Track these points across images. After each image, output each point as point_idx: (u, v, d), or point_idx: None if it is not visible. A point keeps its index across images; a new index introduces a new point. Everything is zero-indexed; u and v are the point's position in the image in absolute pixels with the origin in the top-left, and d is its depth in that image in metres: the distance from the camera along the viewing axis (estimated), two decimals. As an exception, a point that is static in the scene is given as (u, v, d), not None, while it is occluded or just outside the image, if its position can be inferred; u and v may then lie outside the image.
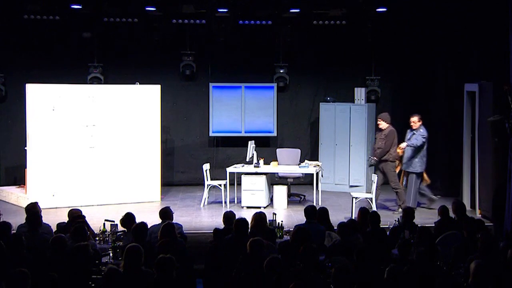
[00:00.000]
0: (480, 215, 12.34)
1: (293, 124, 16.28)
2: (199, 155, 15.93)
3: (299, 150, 14.63)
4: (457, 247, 8.08)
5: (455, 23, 14.01)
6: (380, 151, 12.83)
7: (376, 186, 12.66)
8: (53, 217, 10.77)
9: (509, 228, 10.89)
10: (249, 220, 8.82)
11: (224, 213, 9.52)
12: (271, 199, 13.69)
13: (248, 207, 13.23)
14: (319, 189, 13.70)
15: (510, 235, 10.48)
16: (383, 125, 13.06)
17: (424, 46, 15.37)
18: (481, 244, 7.71)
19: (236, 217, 9.05)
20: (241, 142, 14.89)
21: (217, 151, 16.11)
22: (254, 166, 13.69)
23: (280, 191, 13.49)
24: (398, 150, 12.91)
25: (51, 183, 13.38)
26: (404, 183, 13.17)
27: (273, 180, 14.20)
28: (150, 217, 10.35)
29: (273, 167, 13.77)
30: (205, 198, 13.82)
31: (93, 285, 7.21)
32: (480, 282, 6.45)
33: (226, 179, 13.70)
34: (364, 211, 9.65)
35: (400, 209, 12.27)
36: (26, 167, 13.46)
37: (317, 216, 9.47)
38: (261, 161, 13.81)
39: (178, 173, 16.07)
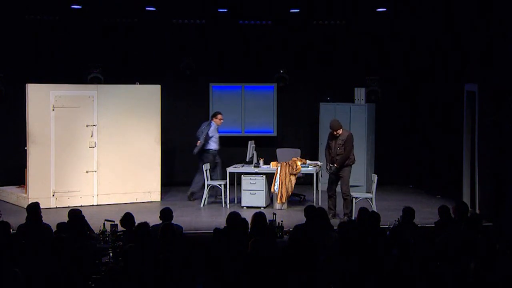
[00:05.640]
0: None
1: (293, 124, 16.27)
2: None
3: (299, 150, 14.63)
4: (457, 247, 8.08)
5: (455, 23, 14.01)
6: (341, 157, 12.29)
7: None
8: (53, 217, 10.77)
9: (509, 228, 10.90)
10: (249, 220, 8.83)
11: (230, 212, 9.50)
12: (271, 199, 13.70)
13: (248, 207, 13.24)
14: (319, 189, 13.69)
15: (510, 235, 10.50)
16: (339, 131, 12.35)
17: (423, 46, 15.36)
18: (480, 245, 7.71)
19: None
20: (241, 142, 14.88)
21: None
22: (254, 166, 13.69)
23: (280, 191, 13.48)
24: None
25: (51, 183, 13.38)
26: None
27: (273, 180, 14.20)
28: (150, 217, 10.33)
29: (273, 167, 13.77)
30: (205, 198, 13.82)
31: (93, 285, 7.21)
32: (480, 282, 6.46)
33: (226, 179, 13.71)
34: (364, 211, 9.65)
35: (346, 217, 12.07)
36: (26, 167, 13.47)
37: (316, 216, 9.47)
38: (261, 161, 13.82)
39: (178, 173, 16.07)
